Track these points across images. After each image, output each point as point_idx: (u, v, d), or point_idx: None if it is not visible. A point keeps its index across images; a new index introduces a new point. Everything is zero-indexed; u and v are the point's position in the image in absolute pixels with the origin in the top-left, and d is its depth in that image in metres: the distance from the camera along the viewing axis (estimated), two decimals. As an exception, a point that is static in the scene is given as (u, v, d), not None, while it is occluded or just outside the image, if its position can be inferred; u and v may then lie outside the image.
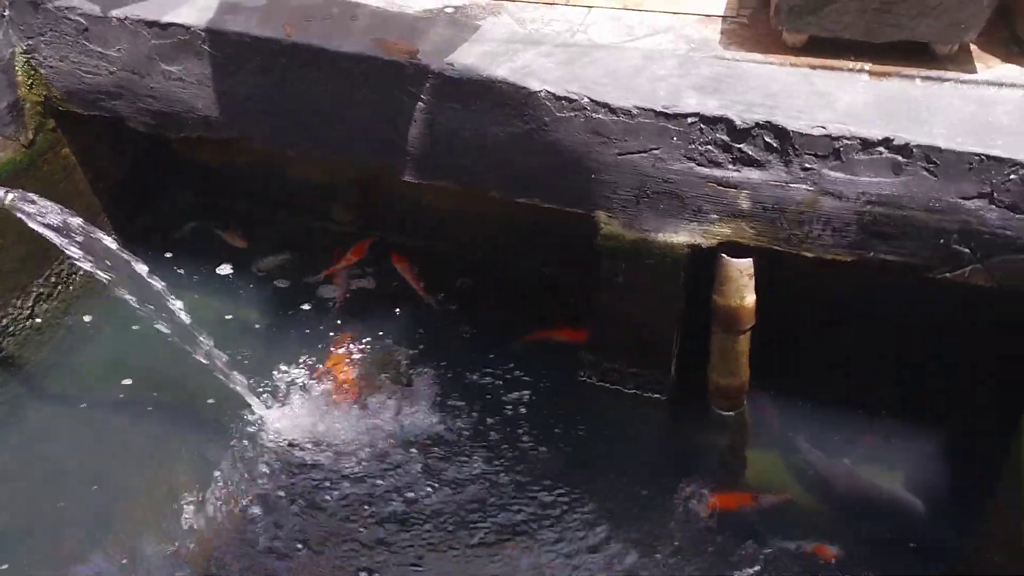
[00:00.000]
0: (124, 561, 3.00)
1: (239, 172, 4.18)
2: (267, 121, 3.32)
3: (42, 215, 3.01)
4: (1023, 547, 2.16)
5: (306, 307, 3.87)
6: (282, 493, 3.20)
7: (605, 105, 2.81)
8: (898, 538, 3.03)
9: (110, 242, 3.18)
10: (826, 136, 2.68)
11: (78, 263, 3.11)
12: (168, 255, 4.07)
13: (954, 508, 3.09)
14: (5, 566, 2.98)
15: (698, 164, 2.84)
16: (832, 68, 2.88)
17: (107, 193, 3.99)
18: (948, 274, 2.80)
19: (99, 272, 3.15)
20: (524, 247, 3.90)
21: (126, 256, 3.20)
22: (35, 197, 2.99)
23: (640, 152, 2.87)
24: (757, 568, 2.96)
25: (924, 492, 3.17)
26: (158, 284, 3.23)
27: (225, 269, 4.01)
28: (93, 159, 3.88)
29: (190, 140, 3.81)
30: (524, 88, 2.88)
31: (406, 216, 4.02)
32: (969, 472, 3.16)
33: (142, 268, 3.23)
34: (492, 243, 3.95)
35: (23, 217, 2.98)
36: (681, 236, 3.01)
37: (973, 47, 2.94)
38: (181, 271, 3.99)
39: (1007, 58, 2.91)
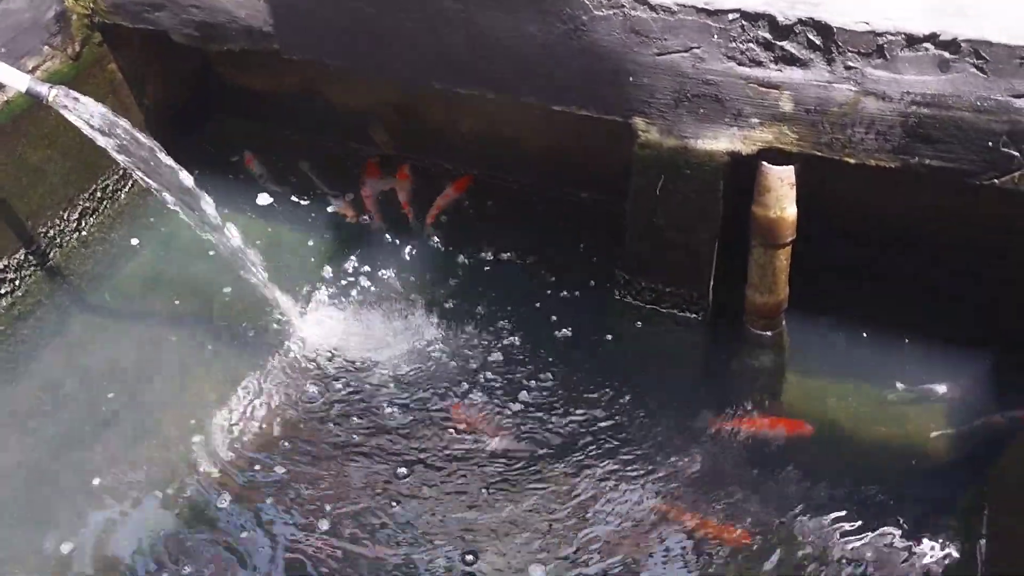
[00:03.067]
0: (158, 469, 3.05)
1: (282, 98, 4.20)
2: (309, 32, 3.33)
3: (88, 115, 3.04)
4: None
5: (343, 226, 3.89)
6: (317, 404, 3.23)
7: (645, 1, 2.77)
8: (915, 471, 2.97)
9: (156, 148, 3.20)
10: (870, 32, 2.62)
11: (122, 163, 3.14)
12: (212, 179, 4.10)
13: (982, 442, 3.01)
14: (45, 470, 3.04)
15: (739, 64, 2.79)
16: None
17: (153, 114, 4.04)
18: (996, 180, 2.71)
19: (143, 175, 3.18)
20: (563, 173, 3.87)
21: (172, 164, 3.23)
22: (79, 95, 3.02)
23: (680, 52, 2.83)
24: (793, 499, 2.92)
25: (956, 419, 3.08)
26: (203, 195, 3.25)
27: (265, 198, 4.02)
28: (140, 78, 3.94)
29: (236, 63, 3.86)
30: (563, -15, 2.85)
31: (443, 141, 4.01)
32: (1002, 402, 3.09)
33: (187, 178, 3.26)
34: (526, 169, 3.92)
35: (67, 114, 3.01)
36: (721, 143, 2.97)
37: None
38: (224, 193, 4.01)
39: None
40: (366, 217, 3.91)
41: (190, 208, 3.27)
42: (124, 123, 3.12)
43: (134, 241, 3.85)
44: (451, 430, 3.13)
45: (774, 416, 3.14)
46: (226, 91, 4.30)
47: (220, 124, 4.37)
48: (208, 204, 3.23)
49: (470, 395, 3.22)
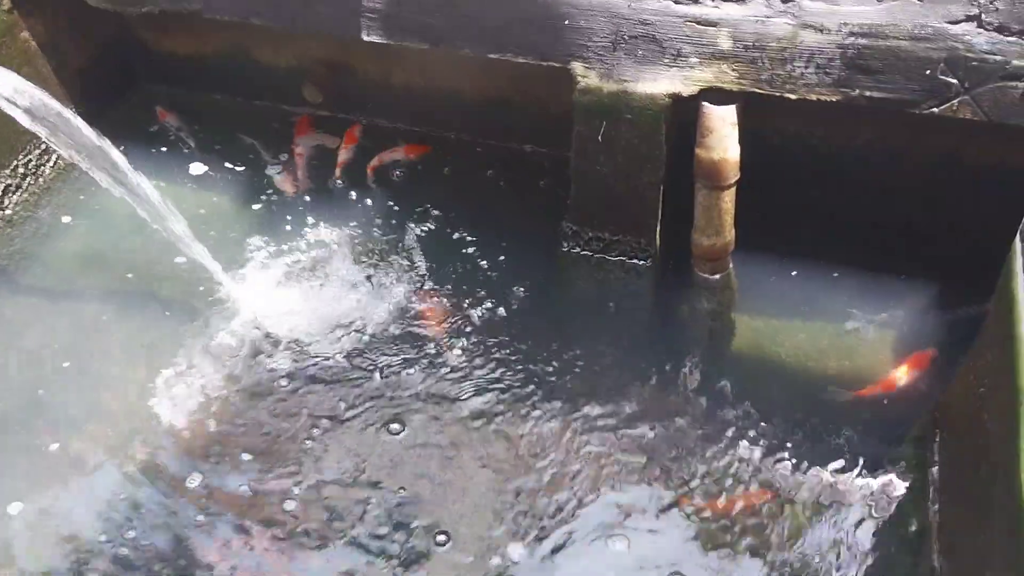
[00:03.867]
0: (102, 448, 2.96)
1: (208, 62, 4.05)
2: (230, -12, 3.20)
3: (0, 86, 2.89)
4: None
5: (274, 192, 3.78)
6: (260, 373, 3.15)
7: (576, -59, 2.71)
8: (867, 402, 3.00)
9: (76, 119, 3.06)
10: (806, -38, 2.58)
11: (42, 136, 3.00)
12: (138, 148, 3.95)
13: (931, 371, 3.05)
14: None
15: (675, 2, 2.75)
16: None
17: (73, 83, 3.87)
18: (935, 109, 2.72)
19: (65, 148, 3.05)
20: (505, 126, 3.80)
21: (95, 135, 3.09)
22: (-5, 66, 2.87)
23: (615, -8, 2.77)
24: (745, 437, 2.92)
25: (905, 350, 3.12)
26: (130, 167, 3.13)
27: (198, 167, 3.89)
28: (56, 46, 3.76)
29: (157, 27, 3.70)
30: (492, -71, 2.77)
31: (376, 97, 3.90)
32: (951, 332, 3.13)
33: (112, 149, 3.13)
34: (466, 123, 3.84)
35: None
36: (661, 85, 2.92)
37: None
38: (155, 164, 3.88)
39: None
40: (301, 183, 3.80)
41: (118, 181, 3.14)
42: (41, 94, 2.97)
43: (65, 219, 3.70)
44: (396, 383, 3.07)
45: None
46: (150, 57, 4.13)
47: (145, 92, 4.21)
48: (135, 175, 3.10)
49: (416, 362, 3.16)
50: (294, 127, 3.99)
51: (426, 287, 3.33)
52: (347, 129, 3.94)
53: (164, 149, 3.96)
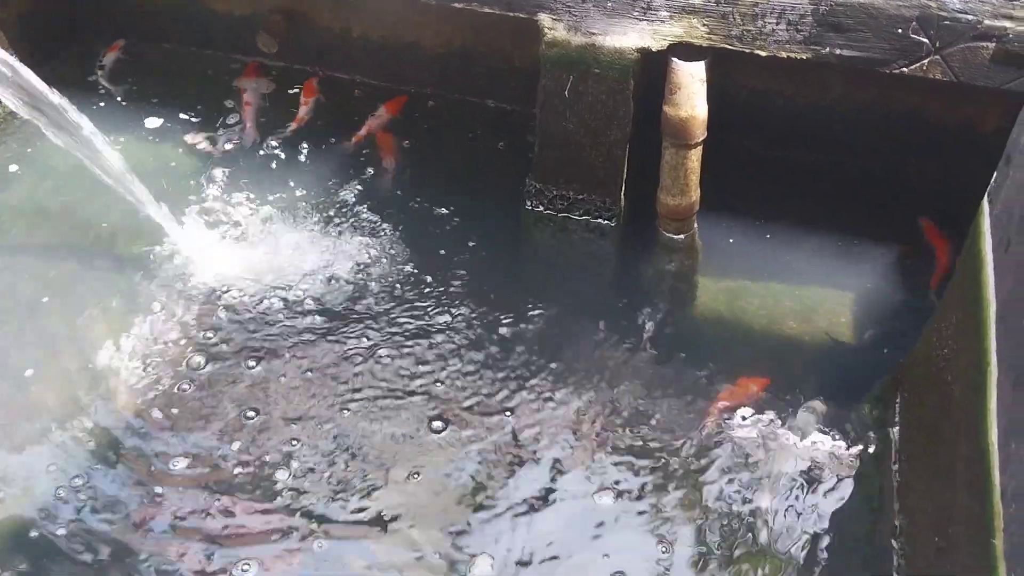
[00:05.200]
0: (53, 403, 2.85)
1: (161, 10, 3.89)
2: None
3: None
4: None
5: (232, 146, 3.67)
6: (210, 327, 3.05)
7: None
8: (828, 363, 3.01)
9: (20, 66, 2.91)
10: (781, -85, 2.53)
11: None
12: (84, 98, 3.79)
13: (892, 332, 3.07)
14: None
15: (647, -48, 2.67)
16: None
17: (19, 32, 3.69)
18: (905, 68, 2.69)
19: (9, 96, 2.90)
20: (468, 80, 3.71)
21: (41, 84, 2.94)
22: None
23: (585, -59, 2.69)
24: (708, 398, 2.90)
25: (866, 312, 3.13)
26: (81, 116, 2.99)
27: (153, 121, 3.74)
28: (-3, -9, 3.58)
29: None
30: None
31: (334, 49, 3.79)
32: (912, 292, 3.15)
33: (60, 99, 2.99)
34: (427, 77, 3.75)
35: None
36: (630, 39, 2.86)
37: None
38: (108, 116, 3.73)
39: None
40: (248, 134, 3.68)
41: (65, 131, 3.00)
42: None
43: (12, 168, 3.54)
44: (350, 343, 3.00)
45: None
46: (99, 5, 3.95)
47: (93, 42, 4.03)
48: (86, 126, 2.97)
49: (376, 312, 3.09)
50: (243, 71, 3.86)
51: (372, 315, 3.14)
52: (305, 82, 3.82)
53: (107, 98, 3.81)
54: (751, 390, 2.88)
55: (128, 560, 2.50)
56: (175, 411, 2.83)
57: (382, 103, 3.76)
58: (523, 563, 2.50)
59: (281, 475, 2.67)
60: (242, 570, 2.47)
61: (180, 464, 2.70)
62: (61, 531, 2.55)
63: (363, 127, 3.68)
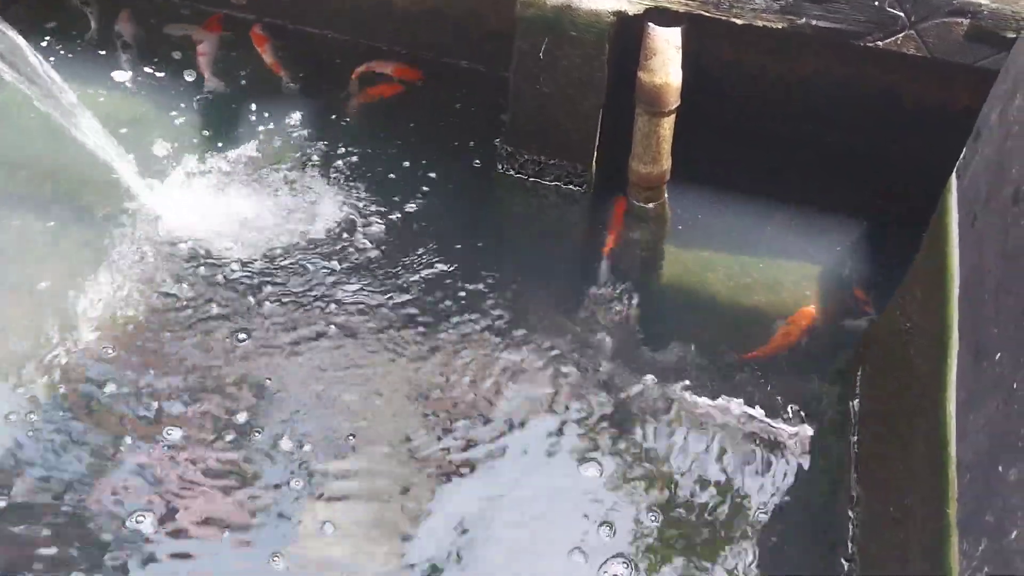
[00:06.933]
0: (15, 359, 2.79)
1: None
2: None
3: None
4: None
5: (204, 98, 3.59)
6: (175, 286, 3.00)
7: None
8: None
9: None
10: None
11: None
12: (58, 50, 3.69)
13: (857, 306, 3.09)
14: None
15: (627, -86, 2.63)
16: None
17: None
18: (880, 42, 2.69)
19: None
20: (441, 39, 3.65)
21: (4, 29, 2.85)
22: None
23: (565, -101, 2.65)
24: (666, 369, 2.90)
25: (833, 285, 3.15)
26: (41, 61, 2.91)
27: (121, 74, 3.64)
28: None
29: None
30: None
31: (304, 3, 3.71)
32: (878, 266, 3.18)
33: (21, 41, 2.90)
34: (398, 34, 3.69)
35: None
36: (608, 2, 2.83)
37: None
38: (76, 67, 3.63)
39: None
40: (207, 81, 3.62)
41: (27, 78, 2.92)
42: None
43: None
44: (318, 309, 2.97)
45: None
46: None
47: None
48: (49, 73, 2.90)
49: (344, 276, 3.06)
50: (203, 24, 3.77)
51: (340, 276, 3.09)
52: (251, 32, 3.74)
53: (89, 51, 3.71)
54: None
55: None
56: (135, 362, 2.79)
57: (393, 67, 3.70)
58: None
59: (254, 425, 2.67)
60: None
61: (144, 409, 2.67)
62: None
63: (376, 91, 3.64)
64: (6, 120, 3.42)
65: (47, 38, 3.69)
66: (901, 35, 2.65)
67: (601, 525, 2.53)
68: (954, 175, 2.40)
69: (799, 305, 3.08)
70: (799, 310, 3.03)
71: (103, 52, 3.71)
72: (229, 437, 2.64)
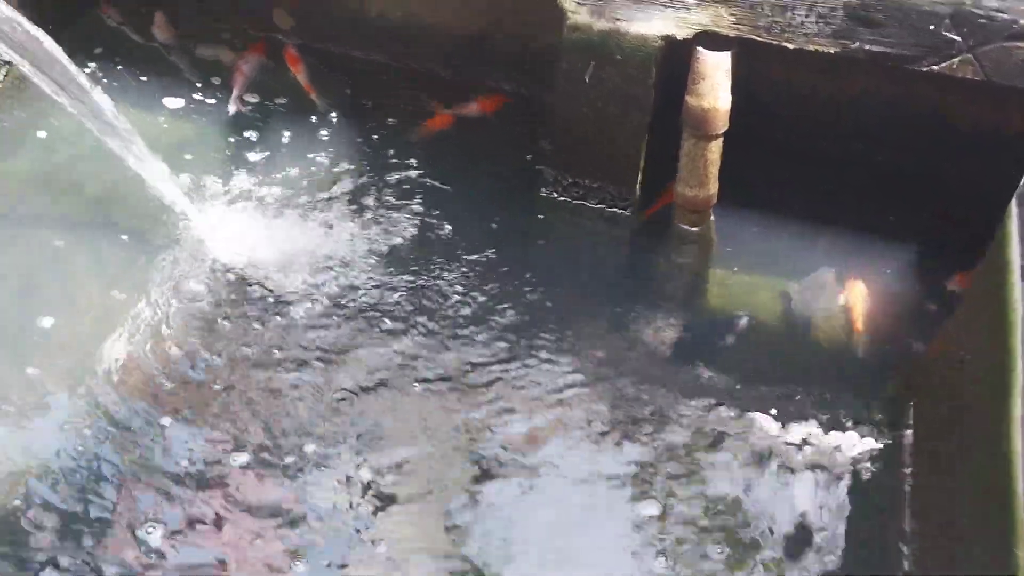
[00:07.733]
0: (52, 382, 2.81)
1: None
2: None
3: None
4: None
5: (247, 122, 3.61)
6: (224, 310, 3.01)
7: None
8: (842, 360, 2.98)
9: (38, 31, 2.85)
10: (816, -95, 2.48)
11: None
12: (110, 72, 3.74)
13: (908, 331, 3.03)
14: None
15: (676, -62, 2.62)
16: None
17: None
18: (936, 66, 2.65)
19: (24, 63, 2.85)
20: (486, 63, 3.65)
21: (56, 49, 2.88)
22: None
23: (614, -77, 2.64)
24: (721, 396, 2.86)
25: (881, 309, 3.08)
26: (94, 86, 2.94)
27: (173, 101, 3.67)
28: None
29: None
30: None
31: (353, 28, 3.72)
32: (929, 291, 3.11)
33: (73, 67, 2.93)
34: (448, 57, 3.69)
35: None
36: (655, 26, 2.81)
37: None
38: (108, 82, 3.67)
39: None
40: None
41: (78, 100, 2.95)
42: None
43: (8, 124, 3.48)
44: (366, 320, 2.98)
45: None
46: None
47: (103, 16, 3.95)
48: (101, 98, 2.92)
49: (388, 299, 3.05)
50: (248, 45, 3.79)
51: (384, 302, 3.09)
52: (285, 53, 3.73)
53: (122, 68, 3.75)
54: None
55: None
56: (178, 395, 2.80)
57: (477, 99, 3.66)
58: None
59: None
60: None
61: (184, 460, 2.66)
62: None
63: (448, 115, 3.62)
64: (59, 142, 3.45)
65: (91, 64, 3.72)
66: (957, 59, 2.60)
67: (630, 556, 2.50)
68: (1014, 201, 2.34)
69: (850, 327, 3.03)
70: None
71: (145, 78, 3.74)
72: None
